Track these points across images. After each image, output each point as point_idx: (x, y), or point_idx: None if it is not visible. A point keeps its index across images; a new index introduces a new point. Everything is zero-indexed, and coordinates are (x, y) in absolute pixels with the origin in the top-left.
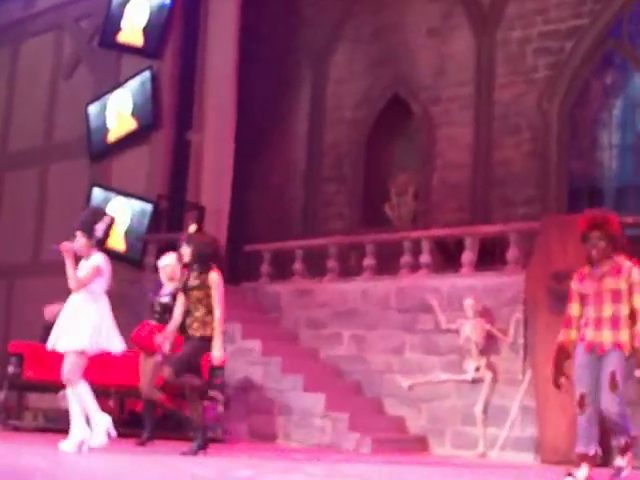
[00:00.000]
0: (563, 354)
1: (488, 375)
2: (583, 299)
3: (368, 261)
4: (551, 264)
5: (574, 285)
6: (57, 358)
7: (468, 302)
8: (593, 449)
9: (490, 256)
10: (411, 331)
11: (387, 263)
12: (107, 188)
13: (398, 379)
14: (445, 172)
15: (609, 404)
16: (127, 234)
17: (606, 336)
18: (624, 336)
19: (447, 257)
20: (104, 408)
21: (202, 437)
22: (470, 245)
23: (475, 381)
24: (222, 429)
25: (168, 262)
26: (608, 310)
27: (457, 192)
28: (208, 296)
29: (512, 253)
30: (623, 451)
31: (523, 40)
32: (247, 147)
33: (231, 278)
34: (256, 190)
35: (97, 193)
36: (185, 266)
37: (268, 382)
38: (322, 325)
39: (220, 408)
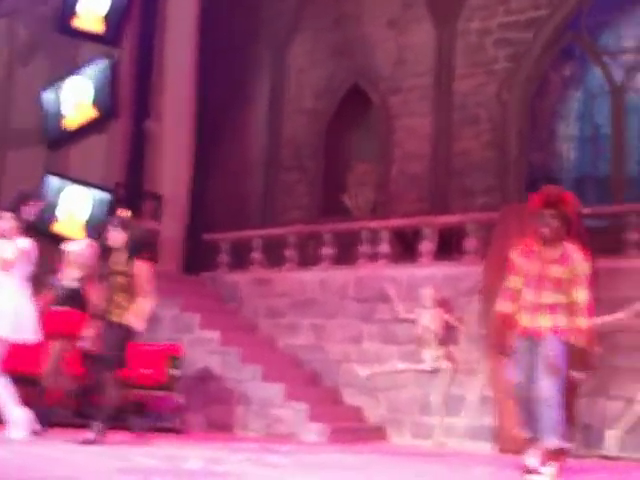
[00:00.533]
0: (505, 323)
1: (446, 365)
2: (524, 276)
3: (327, 251)
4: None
5: (516, 258)
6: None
7: (426, 292)
8: (532, 434)
9: (449, 246)
10: (369, 321)
11: (346, 253)
12: (64, 176)
13: (356, 369)
14: (404, 162)
15: (546, 390)
16: (86, 223)
17: (543, 321)
18: (562, 321)
19: (406, 247)
20: (60, 398)
21: (103, 424)
22: (429, 235)
23: (433, 371)
24: (180, 419)
25: (74, 248)
26: (548, 298)
27: (416, 182)
28: (133, 283)
29: (470, 243)
30: (550, 457)
31: (483, 31)
32: (206, 136)
33: (190, 268)
34: (215, 179)
35: (53, 181)
36: (107, 250)
37: (227, 372)
38: (281, 314)
39: (178, 398)
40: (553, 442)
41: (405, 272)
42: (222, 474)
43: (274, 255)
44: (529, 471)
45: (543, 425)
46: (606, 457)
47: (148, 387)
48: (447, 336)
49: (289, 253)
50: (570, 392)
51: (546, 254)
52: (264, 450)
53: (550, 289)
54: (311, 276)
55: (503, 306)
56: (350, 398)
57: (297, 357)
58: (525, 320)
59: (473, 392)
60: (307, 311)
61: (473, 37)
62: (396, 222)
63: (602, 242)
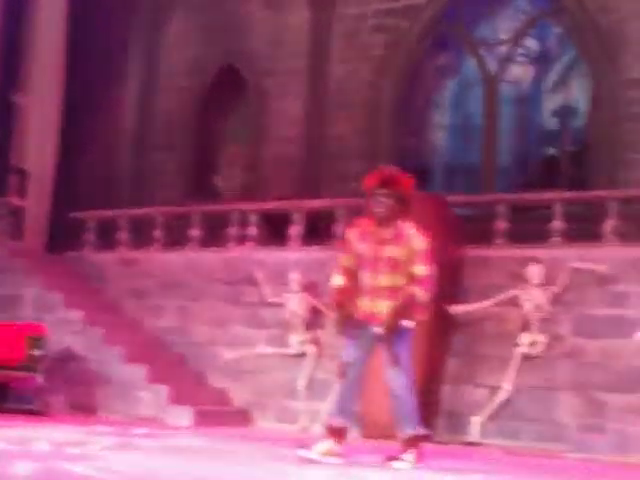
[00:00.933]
0: (342, 297)
1: (312, 349)
2: (359, 258)
3: (194, 232)
4: None
5: (351, 237)
6: None
7: (294, 276)
8: (341, 421)
9: (318, 231)
10: (236, 304)
11: (215, 235)
12: None
13: (222, 352)
14: (277, 145)
15: (392, 380)
16: None
17: (382, 307)
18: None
19: (275, 231)
20: None
21: None
22: (298, 219)
23: (299, 355)
24: (41, 400)
25: None
26: (385, 280)
27: (288, 165)
28: None
29: (339, 228)
30: (407, 445)
31: (360, 17)
32: (76, 111)
33: (54, 246)
34: (84, 156)
35: None
36: None
37: (90, 353)
38: (147, 296)
39: (39, 379)
40: (408, 431)
41: (273, 256)
42: (75, 457)
43: (142, 235)
44: (390, 457)
45: (396, 415)
46: (469, 443)
47: (7, 367)
48: (314, 320)
49: (156, 233)
50: (433, 379)
51: (380, 235)
52: (122, 433)
53: (386, 271)
54: (178, 257)
55: (336, 280)
56: (215, 381)
57: (162, 339)
58: (365, 305)
59: None
60: (173, 293)
61: (350, 22)
62: (266, 205)
63: (471, 231)
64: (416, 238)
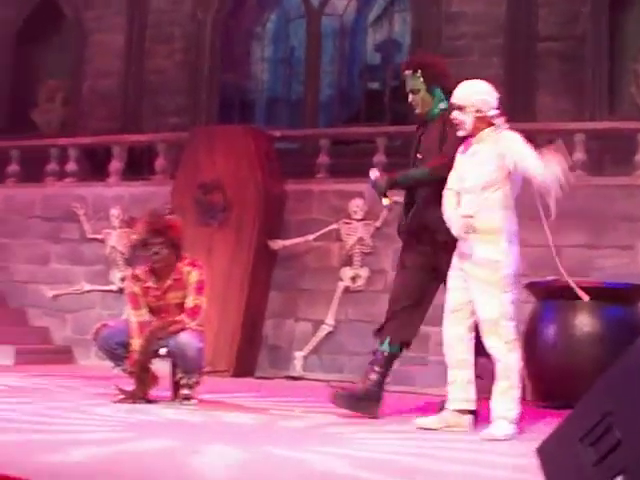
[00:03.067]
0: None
1: None
2: (149, 309)
3: (12, 168)
4: (198, 175)
5: (136, 291)
6: None
7: (114, 212)
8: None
9: (139, 166)
10: (56, 240)
11: (33, 170)
12: None
13: (43, 289)
14: (96, 79)
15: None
16: None
17: None
18: None
19: (95, 166)
20: None
21: None
22: (118, 154)
23: (121, 291)
24: None
25: None
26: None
27: (108, 100)
28: None
29: (160, 163)
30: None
31: None
32: None
33: None
34: None
35: None
36: None
37: None
38: None
39: None
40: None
41: (93, 191)
42: None
43: None
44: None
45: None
46: (292, 377)
47: None
48: (135, 257)
49: None
50: (256, 314)
51: (161, 285)
52: None
53: (177, 315)
54: None
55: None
56: (36, 319)
57: None
58: None
59: None
60: None
61: None
62: (85, 140)
63: (294, 165)
64: (191, 273)
